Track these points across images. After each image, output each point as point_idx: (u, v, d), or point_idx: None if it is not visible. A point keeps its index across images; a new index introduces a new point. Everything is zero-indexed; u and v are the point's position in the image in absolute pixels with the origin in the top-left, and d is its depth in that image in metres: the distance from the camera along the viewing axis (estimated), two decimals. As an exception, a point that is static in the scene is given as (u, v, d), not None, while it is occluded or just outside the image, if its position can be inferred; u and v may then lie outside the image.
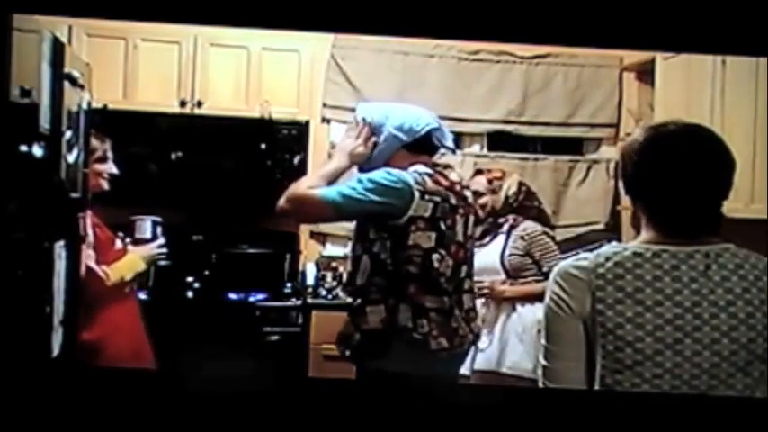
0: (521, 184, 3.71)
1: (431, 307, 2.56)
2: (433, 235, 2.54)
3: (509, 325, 3.45)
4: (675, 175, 1.57)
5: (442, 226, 2.56)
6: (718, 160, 1.60)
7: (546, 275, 3.48)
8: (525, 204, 3.67)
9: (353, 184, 2.50)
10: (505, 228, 3.58)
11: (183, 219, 4.26)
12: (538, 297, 3.37)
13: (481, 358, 3.43)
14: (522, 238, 3.56)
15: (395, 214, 2.50)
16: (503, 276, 3.52)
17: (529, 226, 3.61)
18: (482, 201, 3.59)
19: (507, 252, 3.55)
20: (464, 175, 3.21)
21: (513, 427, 1.44)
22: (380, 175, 2.51)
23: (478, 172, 3.75)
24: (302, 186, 2.54)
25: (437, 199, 2.55)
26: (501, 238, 3.56)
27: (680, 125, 1.63)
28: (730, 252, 1.58)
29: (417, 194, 2.51)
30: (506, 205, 3.61)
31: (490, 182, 3.67)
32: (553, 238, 3.65)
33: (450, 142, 2.74)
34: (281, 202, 2.53)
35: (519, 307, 3.49)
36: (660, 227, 1.59)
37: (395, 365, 2.50)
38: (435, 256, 2.55)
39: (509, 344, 3.43)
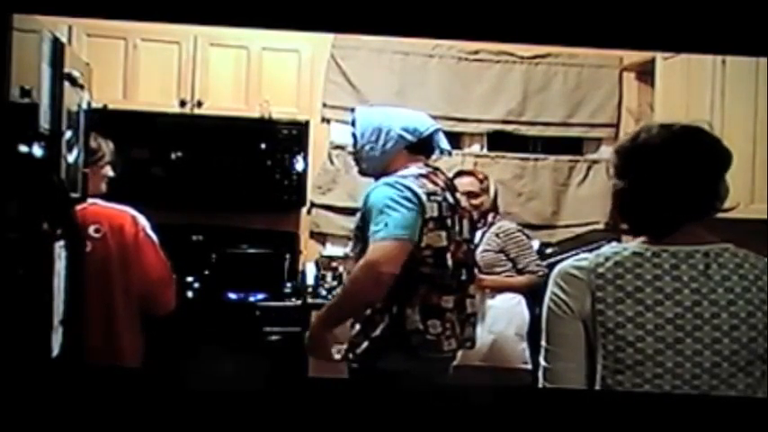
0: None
1: (444, 307, 2.56)
2: (444, 234, 2.56)
3: (484, 318, 3.47)
4: (683, 175, 1.57)
5: (449, 223, 2.59)
6: (719, 159, 1.61)
7: (521, 272, 3.65)
8: (498, 204, 3.88)
9: (384, 216, 2.47)
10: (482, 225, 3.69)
11: (183, 219, 4.26)
12: (510, 290, 3.61)
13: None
14: (497, 235, 3.68)
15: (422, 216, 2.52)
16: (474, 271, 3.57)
17: (504, 224, 3.76)
18: (477, 201, 3.66)
19: (481, 248, 3.61)
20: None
21: (514, 427, 1.44)
22: (389, 192, 2.51)
23: (462, 174, 3.80)
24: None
25: (439, 198, 2.57)
26: (477, 235, 3.60)
27: (682, 126, 1.63)
28: (730, 252, 1.58)
29: (424, 196, 2.53)
30: (493, 204, 3.79)
31: (481, 182, 3.74)
32: (527, 236, 3.81)
33: (447, 145, 2.78)
34: (362, 284, 2.50)
35: (489, 300, 3.56)
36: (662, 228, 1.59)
37: (401, 368, 2.49)
38: (448, 255, 2.57)
39: (483, 337, 3.40)
